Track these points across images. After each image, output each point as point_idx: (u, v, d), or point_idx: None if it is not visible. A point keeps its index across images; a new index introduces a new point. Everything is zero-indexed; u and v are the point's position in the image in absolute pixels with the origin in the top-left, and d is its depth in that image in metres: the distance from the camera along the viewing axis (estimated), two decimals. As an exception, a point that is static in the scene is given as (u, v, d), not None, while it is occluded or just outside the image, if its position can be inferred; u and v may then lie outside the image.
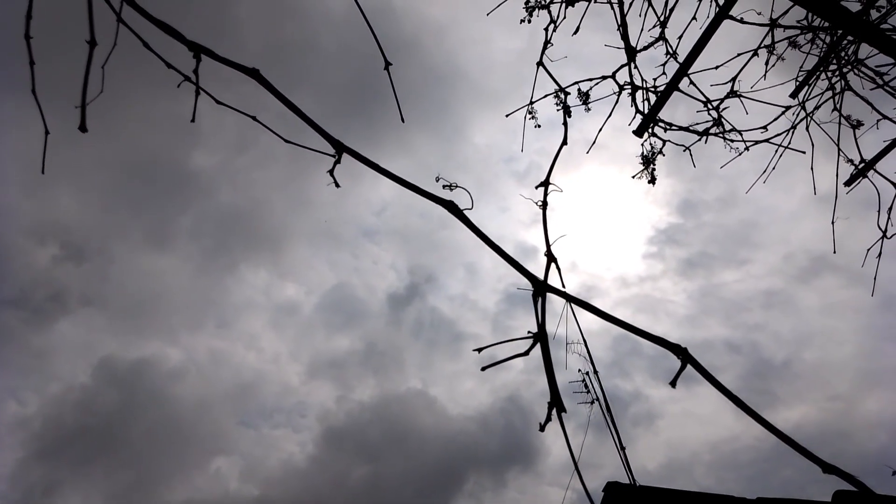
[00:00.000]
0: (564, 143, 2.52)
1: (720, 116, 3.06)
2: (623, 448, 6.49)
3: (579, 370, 6.52)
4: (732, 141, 3.11)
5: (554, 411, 1.95)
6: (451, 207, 1.88)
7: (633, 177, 3.33)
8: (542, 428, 2.09)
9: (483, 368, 2.08)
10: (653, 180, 3.33)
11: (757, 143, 3.12)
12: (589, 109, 3.10)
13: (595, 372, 6.28)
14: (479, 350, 2.11)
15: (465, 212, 1.97)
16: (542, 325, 1.99)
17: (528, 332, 2.03)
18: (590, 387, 6.35)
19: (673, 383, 1.79)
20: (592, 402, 6.77)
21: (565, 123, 2.75)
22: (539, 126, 3.14)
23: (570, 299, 1.94)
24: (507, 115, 3.17)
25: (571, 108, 3.19)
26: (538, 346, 1.98)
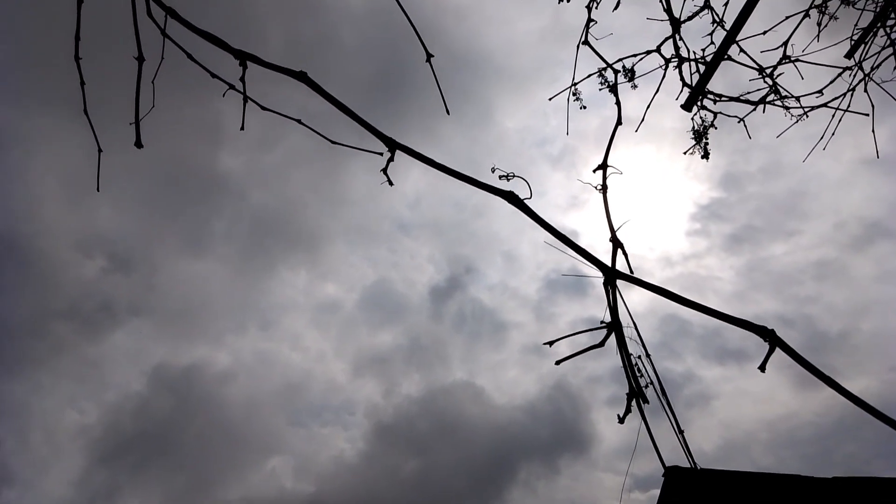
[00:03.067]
0: (619, 123, 2.45)
1: (775, 83, 2.94)
2: (681, 431, 6.29)
3: (630, 354, 6.36)
4: (789, 108, 2.99)
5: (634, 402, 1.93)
6: (512, 198, 1.83)
7: (685, 153, 3.23)
8: (621, 420, 2.01)
9: (558, 363, 1.99)
10: (706, 155, 3.22)
11: (814, 108, 2.99)
12: (635, 86, 3.01)
13: (647, 355, 6.11)
14: (550, 343, 2.05)
15: (525, 202, 1.92)
16: (614, 313, 1.94)
17: (602, 321, 1.97)
18: (643, 370, 6.18)
19: (762, 367, 1.72)
20: (647, 386, 6.58)
21: (618, 103, 2.67)
22: (584, 107, 3.06)
23: (644, 285, 1.87)
24: (549, 99, 3.10)
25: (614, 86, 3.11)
26: (612, 336, 1.94)
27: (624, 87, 3.44)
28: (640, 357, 5.68)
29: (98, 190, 1.63)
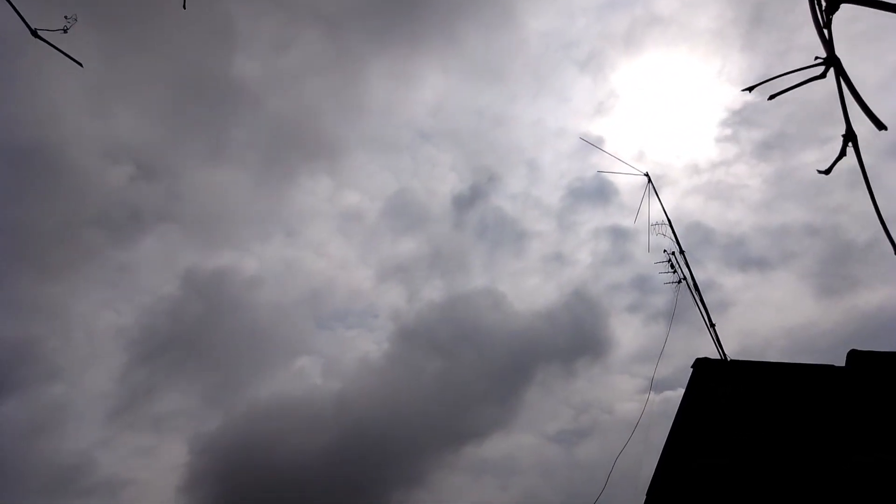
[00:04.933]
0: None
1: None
2: (713, 325, 7.98)
3: (664, 251, 8.70)
4: None
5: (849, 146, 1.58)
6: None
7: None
8: (828, 170, 1.68)
9: (771, 97, 1.81)
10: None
11: None
12: None
13: (681, 252, 8.80)
14: (750, 89, 1.89)
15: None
16: (830, 47, 1.58)
17: (816, 57, 1.60)
18: (676, 266, 8.71)
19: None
20: (679, 282, 8.23)
21: None
22: None
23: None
24: None
25: None
26: (830, 73, 1.58)
27: None
28: (673, 253, 9.71)
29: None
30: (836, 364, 6.57)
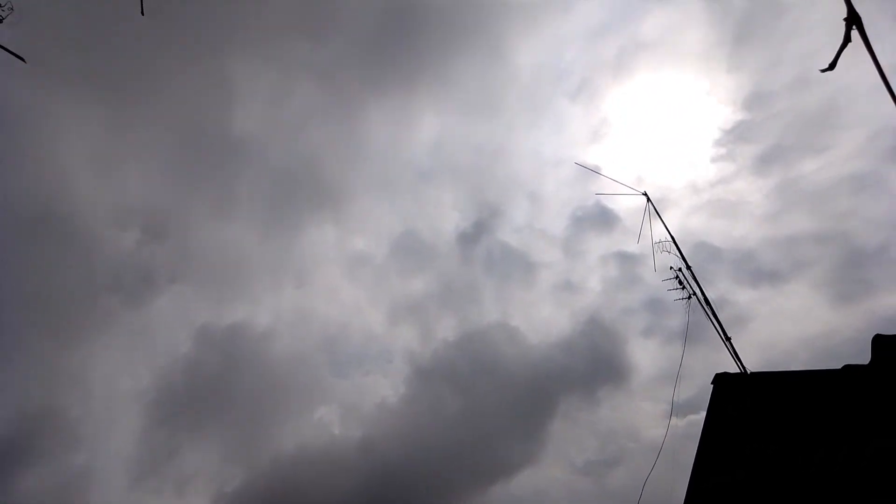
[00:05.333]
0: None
1: None
2: (728, 339, 7.90)
3: (671, 268, 8.61)
4: None
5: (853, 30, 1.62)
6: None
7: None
8: (833, 64, 1.63)
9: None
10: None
11: None
12: None
13: (688, 267, 8.74)
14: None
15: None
16: None
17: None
18: (684, 283, 8.65)
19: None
20: (689, 298, 8.16)
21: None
22: None
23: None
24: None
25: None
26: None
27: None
28: (680, 269, 9.65)
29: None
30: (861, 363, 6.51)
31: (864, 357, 6.33)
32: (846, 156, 35.25)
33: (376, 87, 46.10)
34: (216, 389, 38.64)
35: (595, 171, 10.36)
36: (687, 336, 8.23)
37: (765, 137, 37.95)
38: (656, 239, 9.66)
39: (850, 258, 32.87)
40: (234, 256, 45.74)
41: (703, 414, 6.44)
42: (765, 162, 38.16)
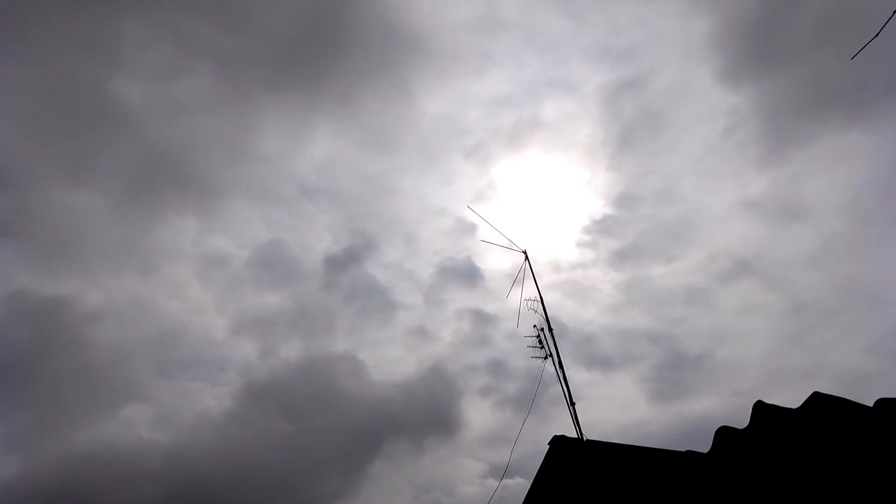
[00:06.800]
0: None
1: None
2: (573, 403, 7.87)
3: (534, 326, 8.52)
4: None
5: None
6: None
7: None
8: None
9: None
10: None
11: None
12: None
13: (550, 329, 8.65)
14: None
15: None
16: None
17: None
18: (544, 343, 8.56)
19: None
20: (545, 358, 8.04)
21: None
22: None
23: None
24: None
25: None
26: None
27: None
28: (542, 330, 9.68)
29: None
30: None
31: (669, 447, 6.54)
32: (688, 269, 38.78)
33: (276, 91, 42.69)
34: (14, 364, 33.33)
35: (482, 217, 10.30)
36: (536, 394, 8.13)
37: (626, 235, 40.88)
38: (524, 298, 9.70)
39: (673, 360, 35.98)
40: (78, 226, 40.78)
41: (520, 480, 6.26)
42: (621, 257, 41.00)
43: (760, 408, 4.96)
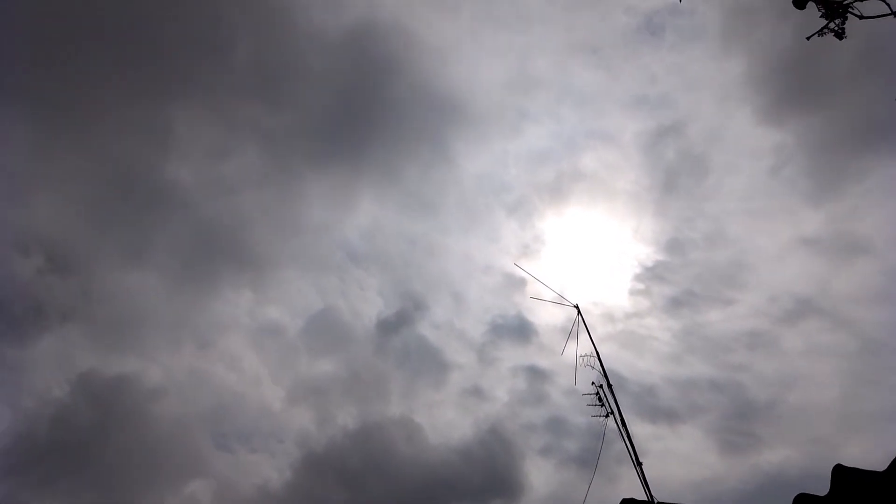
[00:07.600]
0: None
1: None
2: (640, 463, 7.61)
3: (593, 383, 8.26)
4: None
5: None
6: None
7: (812, 35, 2.98)
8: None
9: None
10: (841, 33, 3.13)
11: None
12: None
13: (609, 385, 8.38)
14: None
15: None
16: None
17: None
18: (604, 399, 8.30)
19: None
20: (607, 416, 7.79)
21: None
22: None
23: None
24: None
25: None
26: None
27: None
28: (601, 386, 9.40)
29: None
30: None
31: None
32: (747, 313, 37.05)
33: (320, 164, 44.05)
34: (83, 444, 33.85)
35: (531, 275, 10.25)
36: (600, 454, 7.90)
37: (679, 281, 39.59)
38: (580, 353, 9.49)
39: (741, 409, 33.89)
40: (138, 306, 41.57)
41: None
42: (676, 304, 39.42)
43: (841, 472, 4.70)
